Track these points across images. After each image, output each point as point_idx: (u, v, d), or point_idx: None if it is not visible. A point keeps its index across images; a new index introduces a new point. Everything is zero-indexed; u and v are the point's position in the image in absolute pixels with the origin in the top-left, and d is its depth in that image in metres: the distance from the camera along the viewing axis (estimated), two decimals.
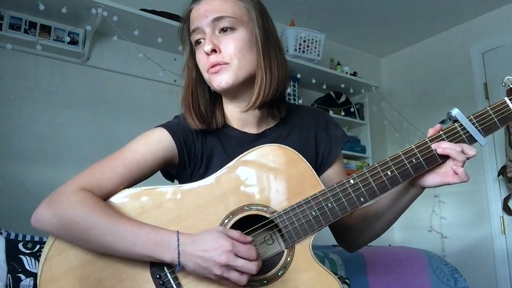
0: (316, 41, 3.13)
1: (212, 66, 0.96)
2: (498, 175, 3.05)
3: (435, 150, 0.91)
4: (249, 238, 0.84)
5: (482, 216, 3.16)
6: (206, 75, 0.99)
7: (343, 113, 3.39)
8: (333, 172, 1.10)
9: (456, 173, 0.90)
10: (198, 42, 1.00)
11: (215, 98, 1.07)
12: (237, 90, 1.00)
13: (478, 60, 3.30)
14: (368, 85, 3.51)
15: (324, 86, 3.32)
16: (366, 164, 3.50)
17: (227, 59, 0.95)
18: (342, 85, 3.37)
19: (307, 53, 3.09)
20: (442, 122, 0.96)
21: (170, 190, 0.91)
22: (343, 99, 3.46)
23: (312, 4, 3.17)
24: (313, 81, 3.18)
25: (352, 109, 3.49)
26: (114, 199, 0.90)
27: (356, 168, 3.37)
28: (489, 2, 3.17)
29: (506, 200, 3.03)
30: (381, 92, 3.76)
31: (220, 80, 0.96)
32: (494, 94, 3.17)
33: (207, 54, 0.95)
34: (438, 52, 3.61)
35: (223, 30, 0.96)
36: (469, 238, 3.22)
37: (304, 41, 3.08)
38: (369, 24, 3.50)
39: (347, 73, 3.40)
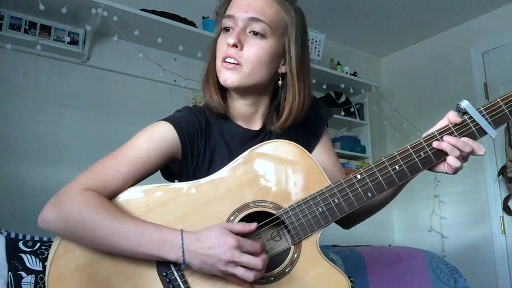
0: (316, 41, 3.12)
1: (227, 57, 0.95)
2: (498, 175, 3.05)
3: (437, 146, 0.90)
4: (252, 226, 0.84)
5: (482, 216, 3.16)
6: (218, 63, 0.98)
7: (343, 113, 3.38)
8: (321, 149, 1.12)
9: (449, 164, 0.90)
10: (226, 29, 0.99)
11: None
12: (245, 90, 1.00)
13: (478, 60, 3.31)
14: (368, 85, 3.51)
15: (324, 86, 3.32)
16: (366, 164, 3.48)
17: (242, 61, 0.94)
18: (342, 85, 3.37)
19: None
20: None
21: (174, 188, 0.90)
22: (343, 99, 3.46)
23: (312, 4, 3.17)
24: (313, 81, 3.16)
25: (352, 109, 3.49)
26: (119, 198, 0.90)
27: (356, 168, 3.36)
28: (489, 2, 3.18)
29: (506, 200, 3.02)
30: (381, 92, 3.76)
31: (227, 78, 0.95)
32: (494, 94, 3.17)
33: (228, 45, 0.95)
34: (438, 52, 3.61)
35: (254, 32, 0.95)
36: (469, 238, 3.22)
37: None
38: (369, 24, 3.50)
39: (347, 73, 3.40)
